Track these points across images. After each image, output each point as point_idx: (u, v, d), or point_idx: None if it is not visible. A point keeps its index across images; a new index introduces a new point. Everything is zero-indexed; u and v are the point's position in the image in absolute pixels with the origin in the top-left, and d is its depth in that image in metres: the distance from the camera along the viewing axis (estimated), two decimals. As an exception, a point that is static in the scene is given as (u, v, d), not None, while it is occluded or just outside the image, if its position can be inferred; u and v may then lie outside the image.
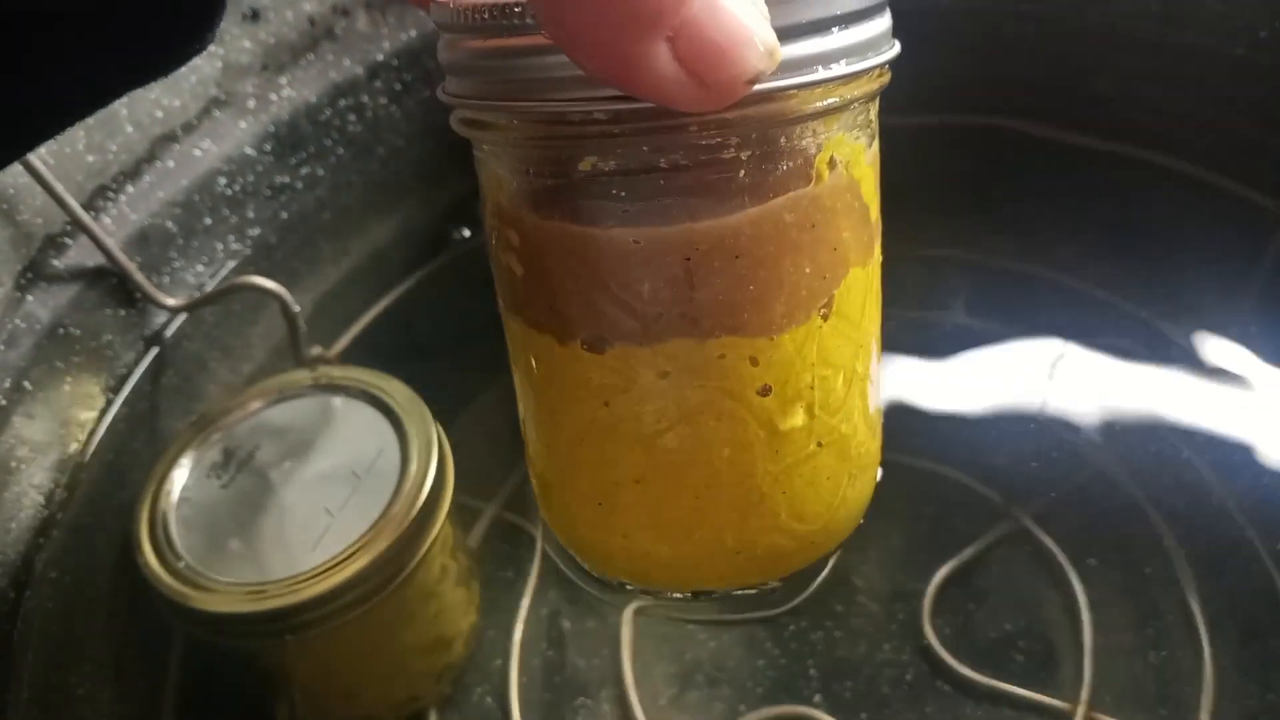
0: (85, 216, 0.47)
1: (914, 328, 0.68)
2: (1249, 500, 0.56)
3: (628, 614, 0.57)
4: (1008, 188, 0.68)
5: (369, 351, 0.56)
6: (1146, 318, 0.65)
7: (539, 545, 0.61)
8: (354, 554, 0.43)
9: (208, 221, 0.53)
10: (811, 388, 0.30)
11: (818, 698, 0.53)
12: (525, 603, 0.58)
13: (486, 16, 0.26)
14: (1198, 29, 0.56)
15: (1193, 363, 0.63)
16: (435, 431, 0.47)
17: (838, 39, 0.27)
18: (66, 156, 0.47)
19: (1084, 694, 0.51)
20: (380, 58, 0.59)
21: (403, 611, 0.47)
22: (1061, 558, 0.56)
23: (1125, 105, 0.61)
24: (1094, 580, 0.55)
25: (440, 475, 0.46)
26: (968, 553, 0.57)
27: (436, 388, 0.50)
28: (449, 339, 0.69)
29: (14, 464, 0.43)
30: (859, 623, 0.55)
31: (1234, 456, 0.59)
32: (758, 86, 0.24)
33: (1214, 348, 0.63)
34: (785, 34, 0.25)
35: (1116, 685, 0.52)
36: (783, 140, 0.28)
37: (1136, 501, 0.58)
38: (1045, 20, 0.60)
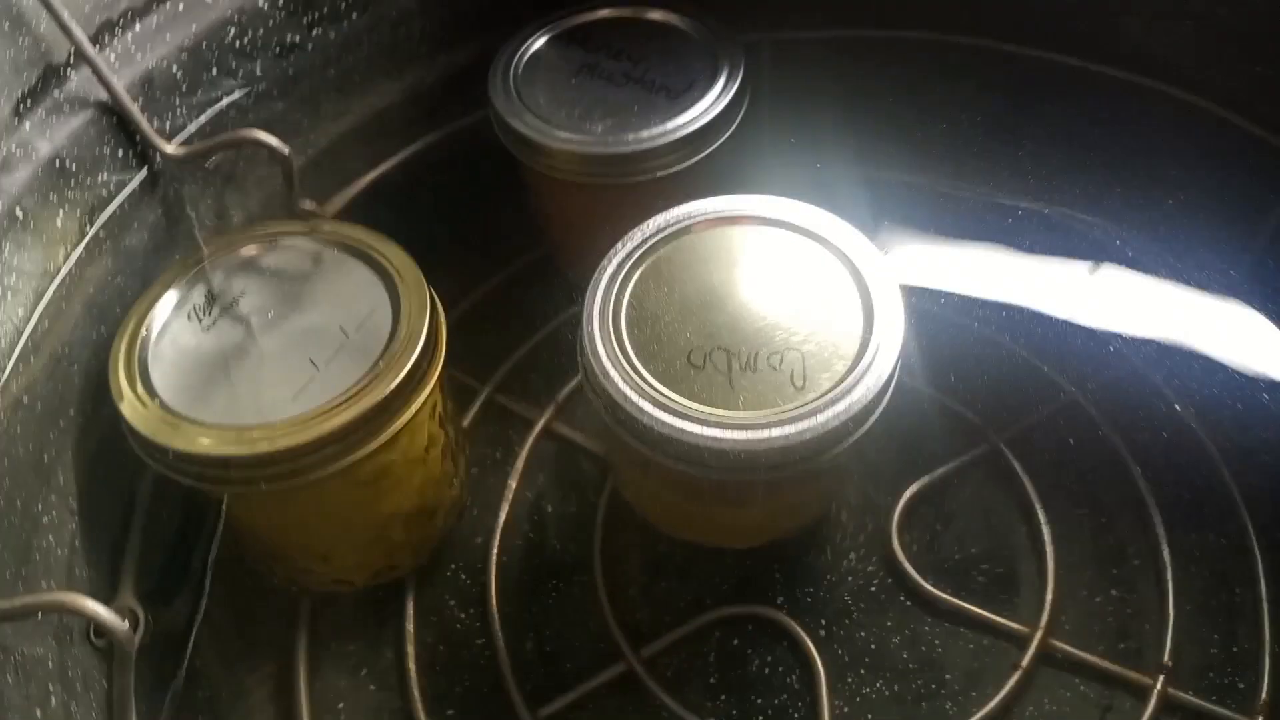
0: (90, 49, 0.46)
1: (923, 253, 0.68)
2: (1231, 449, 0.57)
3: (604, 502, 0.57)
4: (1015, 115, 0.67)
5: (364, 216, 0.55)
6: (1142, 255, 0.65)
7: (535, 430, 0.61)
8: (337, 408, 0.43)
9: (213, 71, 0.52)
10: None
11: (781, 599, 0.54)
12: (512, 484, 0.59)
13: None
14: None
15: (1190, 306, 0.63)
16: (429, 295, 0.47)
17: None
18: (75, -17, 0.46)
19: (1043, 620, 0.52)
20: (402, -78, 0.58)
21: (387, 475, 0.47)
22: (1030, 487, 0.56)
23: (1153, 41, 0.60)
24: (1061, 513, 0.56)
25: (432, 341, 0.46)
26: (940, 471, 0.57)
27: (437, 266, 0.49)
28: (452, 215, 0.68)
29: (1, 290, 0.43)
30: (827, 531, 0.56)
31: (1221, 405, 0.59)
32: None
33: (1213, 292, 0.63)
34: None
35: (1076, 616, 0.53)
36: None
37: (1113, 441, 0.58)
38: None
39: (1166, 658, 0.50)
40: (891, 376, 0.43)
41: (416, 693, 0.52)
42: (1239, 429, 0.58)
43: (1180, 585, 0.53)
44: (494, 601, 0.54)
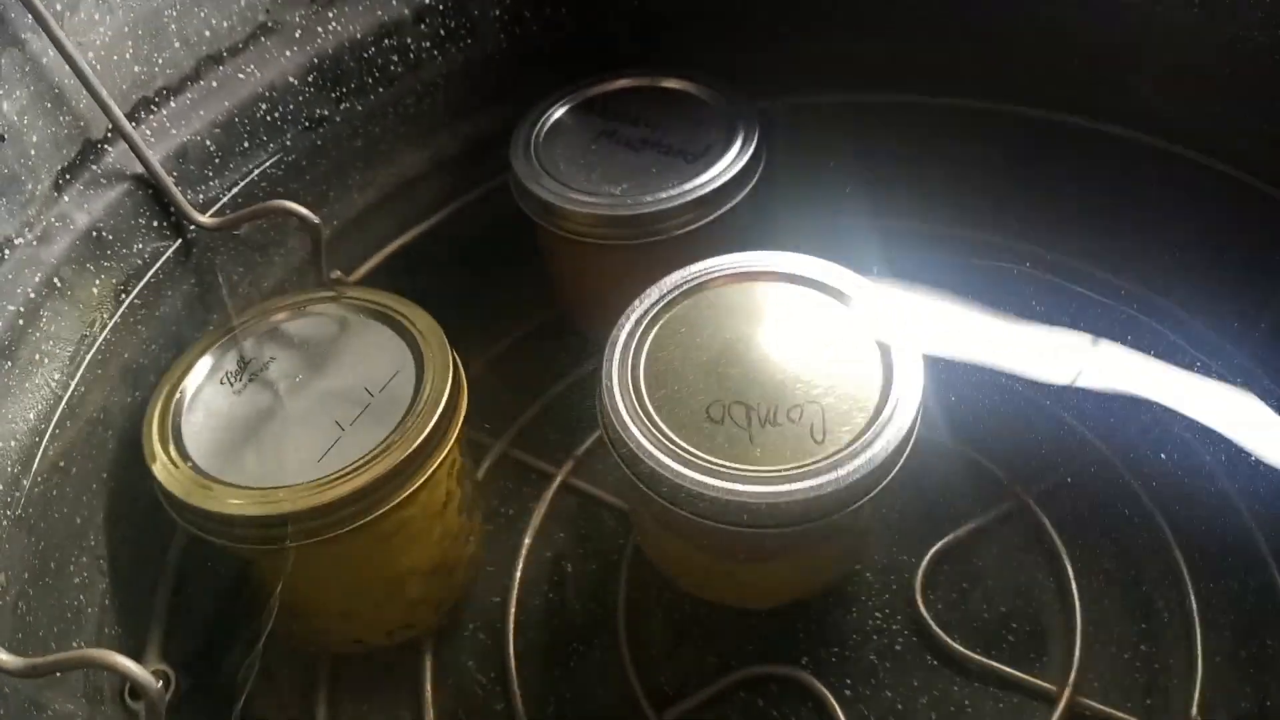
0: (127, 124, 0.48)
1: (936, 305, 0.68)
2: (1255, 499, 0.56)
3: (626, 560, 0.57)
4: (1029, 176, 0.68)
5: (389, 282, 0.56)
6: (1164, 311, 0.65)
7: (553, 486, 0.61)
8: (361, 468, 0.44)
9: (245, 144, 0.54)
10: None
11: (805, 659, 0.53)
12: (527, 541, 0.59)
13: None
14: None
15: (1210, 360, 0.63)
16: (452, 357, 0.48)
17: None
18: (113, 64, 0.48)
19: (1071, 678, 0.51)
20: (428, 1, 0.60)
21: (405, 531, 0.47)
22: (1058, 542, 0.56)
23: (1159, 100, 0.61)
24: (1089, 568, 0.55)
25: (454, 398, 0.47)
26: (966, 528, 0.57)
27: (454, 326, 0.50)
28: (469, 279, 0.70)
29: (38, 356, 0.44)
30: (852, 590, 0.56)
31: (1244, 456, 0.59)
32: None
33: (1231, 347, 0.63)
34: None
35: (1104, 672, 0.52)
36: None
37: (1138, 494, 0.58)
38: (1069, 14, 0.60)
39: (1195, 711, 0.49)
40: (912, 429, 0.43)
41: (440, 757, 0.52)
42: (1265, 479, 0.57)
43: (1209, 638, 0.52)
44: (513, 664, 0.54)
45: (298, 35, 0.56)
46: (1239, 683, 0.51)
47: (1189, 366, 0.63)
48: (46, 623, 0.43)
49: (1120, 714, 0.50)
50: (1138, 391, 0.63)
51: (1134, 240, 0.66)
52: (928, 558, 0.56)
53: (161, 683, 0.47)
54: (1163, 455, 0.59)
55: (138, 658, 0.49)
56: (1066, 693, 0.51)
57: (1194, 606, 0.53)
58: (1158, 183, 0.62)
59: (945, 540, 0.56)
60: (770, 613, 0.55)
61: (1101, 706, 0.50)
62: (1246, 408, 0.61)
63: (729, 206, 0.58)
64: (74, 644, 0.44)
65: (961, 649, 0.53)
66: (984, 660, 0.52)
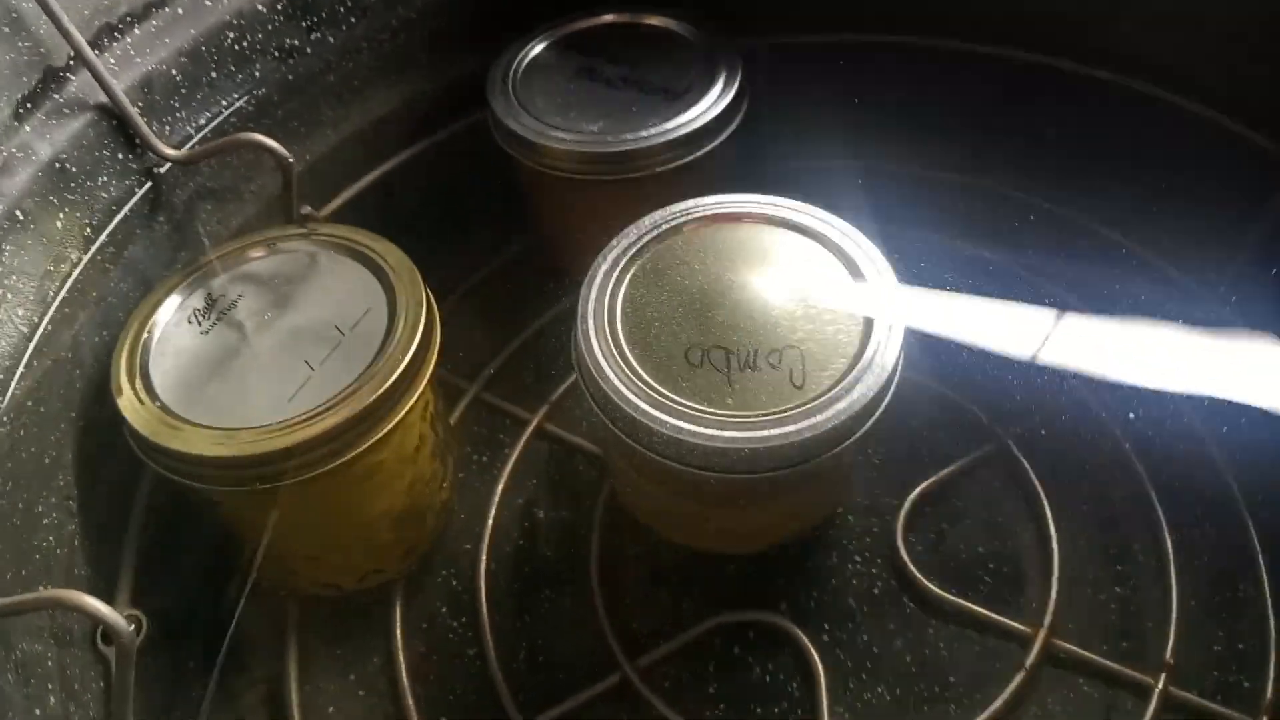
0: (90, 53, 0.46)
1: (926, 253, 0.68)
2: (1233, 448, 0.56)
3: (600, 506, 0.57)
4: (1013, 118, 0.67)
5: (359, 219, 0.55)
6: (1150, 261, 0.65)
7: (527, 431, 0.61)
8: (330, 408, 0.43)
9: (212, 74, 0.52)
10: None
11: (783, 605, 0.53)
12: (500, 487, 0.59)
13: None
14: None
15: (1190, 307, 0.63)
16: (425, 294, 0.47)
17: None
18: (74, -11, 0.46)
19: (1047, 620, 0.51)
20: (402, -73, 0.58)
21: (377, 474, 0.47)
22: (1037, 485, 0.56)
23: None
24: (1067, 511, 0.55)
25: (427, 338, 0.46)
26: (947, 470, 0.57)
27: (426, 264, 0.49)
28: (441, 216, 0.68)
29: (1, 291, 0.43)
30: (833, 534, 0.55)
31: (1220, 404, 0.58)
32: None
33: (1216, 297, 0.63)
34: None
35: (1080, 615, 0.52)
36: None
37: (1117, 437, 0.58)
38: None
39: (1169, 656, 0.50)
40: (892, 375, 0.43)
41: (411, 701, 0.51)
42: (1243, 428, 0.57)
43: (1184, 583, 0.52)
44: (484, 610, 0.54)
45: (268, -38, 0.54)
46: (1212, 627, 0.51)
47: (1169, 313, 0.63)
48: (14, 564, 0.42)
49: (1095, 657, 0.50)
50: (1117, 336, 0.62)
51: (1117, 185, 0.65)
52: (909, 500, 0.56)
53: (134, 626, 0.46)
54: (1141, 398, 0.59)
55: (107, 600, 0.48)
56: (1042, 635, 0.51)
57: (1169, 551, 0.53)
58: (1141, 127, 0.62)
59: (926, 483, 0.56)
60: (748, 558, 0.55)
61: (1077, 649, 0.50)
62: (1223, 355, 0.61)
63: (710, 147, 0.57)
64: (42, 586, 0.43)
65: (939, 592, 0.53)
66: (961, 603, 0.52)
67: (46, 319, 0.45)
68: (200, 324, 0.47)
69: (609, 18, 0.64)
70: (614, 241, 0.48)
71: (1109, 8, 0.59)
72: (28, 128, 0.45)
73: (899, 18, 0.66)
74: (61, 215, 0.46)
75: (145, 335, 0.46)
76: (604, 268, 0.47)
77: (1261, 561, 0.52)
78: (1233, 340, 0.61)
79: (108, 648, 0.46)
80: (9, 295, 0.43)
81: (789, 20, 0.68)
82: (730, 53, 0.60)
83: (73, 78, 0.47)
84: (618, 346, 0.44)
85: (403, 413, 0.45)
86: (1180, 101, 0.60)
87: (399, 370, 0.44)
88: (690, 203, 0.49)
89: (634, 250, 0.47)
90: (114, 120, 0.48)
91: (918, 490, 0.56)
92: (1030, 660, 0.50)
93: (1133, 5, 0.59)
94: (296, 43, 0.56)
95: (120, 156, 0.49)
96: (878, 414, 0.43)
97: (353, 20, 0.58)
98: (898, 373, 0.43)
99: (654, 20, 0.64)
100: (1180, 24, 0.58)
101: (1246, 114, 0.58)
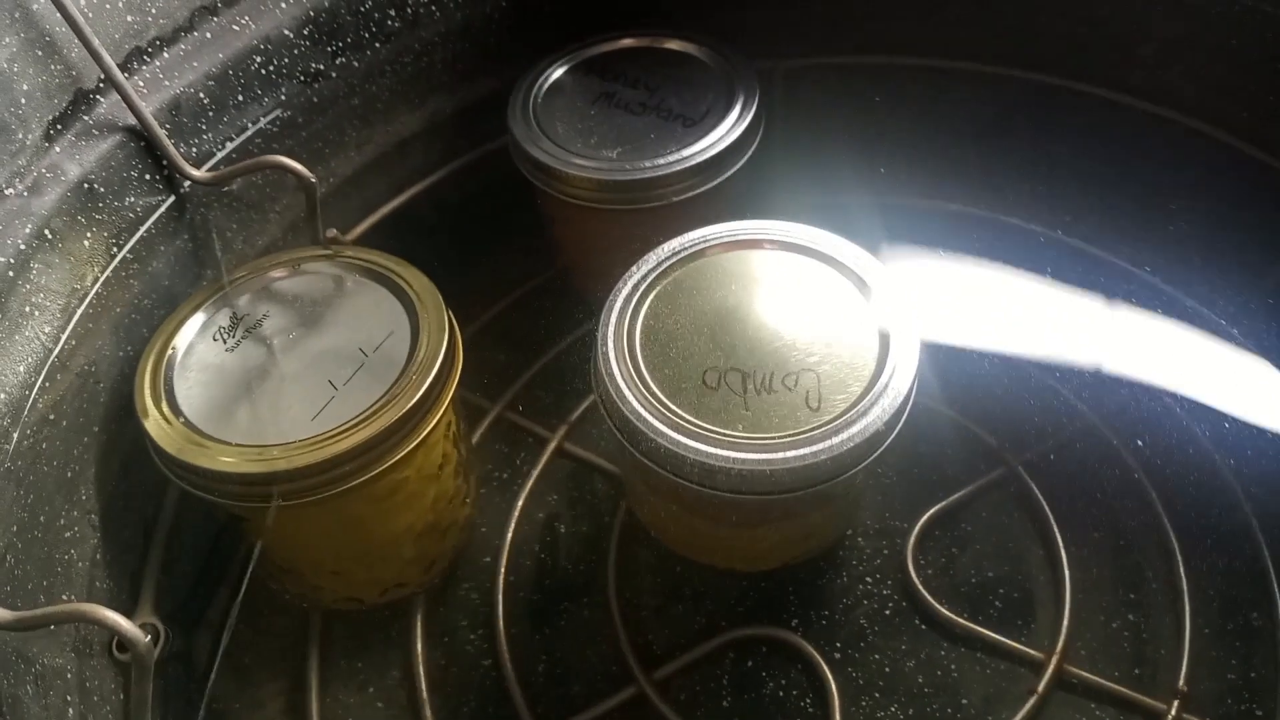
0: (119, 74, 0.47)
1: (932, 273, 0.68)
2: (1245, 471, 0.57)
3: (618, 522, 0.58)
4: (1028, 142, 0.68)
5: (384, 243, 0.56)
6: (1159, 282, 0.65)
7: (548, 450, 0.61)
8: (354, 427, 0.43)
9: (239, 97, 0.53)
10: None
11: (795, 622, 0.54)
12: (520, 503, 0.59)
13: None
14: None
15: (1203, 330, 0.63)
16: (448, 317, 0.47)
17: None
18: (106, 12, 0.47)
19: (1059, 645, 0.52)
20: (426, -45, 0.59)
21: (400, 492, 0.47)
22: (1048, 510, 0.56)
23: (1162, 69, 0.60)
24: (1079, 537, 0.56)
25: (449, 361, 0.47)
26: (958, 495, 0.57)
27: (451, 286, 0.50)
28: (465, 240, 0.69)
29: (28, 309, 0.44)
30: (844, 554, 0.56)
31: (1234, 428, 0.59)
32: None
33: (1226, 317, 0.63)
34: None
35: (1092, 641, 0.52)
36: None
37: (1128, 463, 0.58)
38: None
39: (1182, 683, 0.50)
40: (907, 399, 0.43)
41: (429, 713, 0.52)
42: (1255, 454, 0.57)
43: (1197, 610, 0.52)
44: (502, 623, 0.55)
45: (294, -13, 0.55)
46: (1226, 655, 0.52)
47: (1181, 337, 0.63)
48: (36, 576, 0.42)
49: (1108, 683, 0.50)
50: (1129, 361, 0.63)
51: (1131, 210, 0.66)
52: (920, 524, 0.56)
53: (150, 637, 0.47)
54: (1152, 425, 0.59)
55: (128, 612, 0.49)
56: (1054, 660, 0.51)
57: (1183, 577, 0.53)
58: (1158, 152, 0.62)
59: (937, 507, 0.57)
60: (761, 575, 0.55)
61: (1089, 675, 0.51)
62: (1237, 379, 0.61)
63: (727, 175, 0.58)
64: (64, 598, 0.44)
65: (950, 614, 0.53)
66: (972, 626, 0.53)
67: (68, 333, 0.46)
68: (225, 341, 0.48)
69: (628, 41, 0.65)
70: (633, 268, 0.48)
71: (1131, 32, 0.60)
72: (58, 148, 0.46)
73: (913, 40, 0.67)
74: (89, 235, 0.47)
75: (170, 352, 0.47)
76: (624, 293, 0.47)
77: (1275, 589, 0.52)
78: (1248, 368, 0.61)
79: (125, 656, 0.46)
80: (35, 313, 0.44)
81: (804, 43, 0.69)
82: (747, 77, 0.61)
83: (102, 100, 0.48)
84: (636, 369, 0.45)
85: (425, 432, 0.45)
86: (1202, 127, 0.60)
87: (421, 391, 0.44)
88: (708, 229, 0.50)
89: (653, 276, 0.48)
90: (142, 142, 0.49)
91: (929, 514, 0.56)
92: (1042, 685, 0.50)
93: (1153, 30, 0.59)
94: (321, 67, 0.57)
95: (147, 177, 0.50)
96: (892, 437, 0.43)
97: (377, 45, 0.59)
98: (912, 397, 0.44)
99: (673, 44, 0.64)
100: (1200, 50, 0.58)
101: (1269, 144, 0.58)
